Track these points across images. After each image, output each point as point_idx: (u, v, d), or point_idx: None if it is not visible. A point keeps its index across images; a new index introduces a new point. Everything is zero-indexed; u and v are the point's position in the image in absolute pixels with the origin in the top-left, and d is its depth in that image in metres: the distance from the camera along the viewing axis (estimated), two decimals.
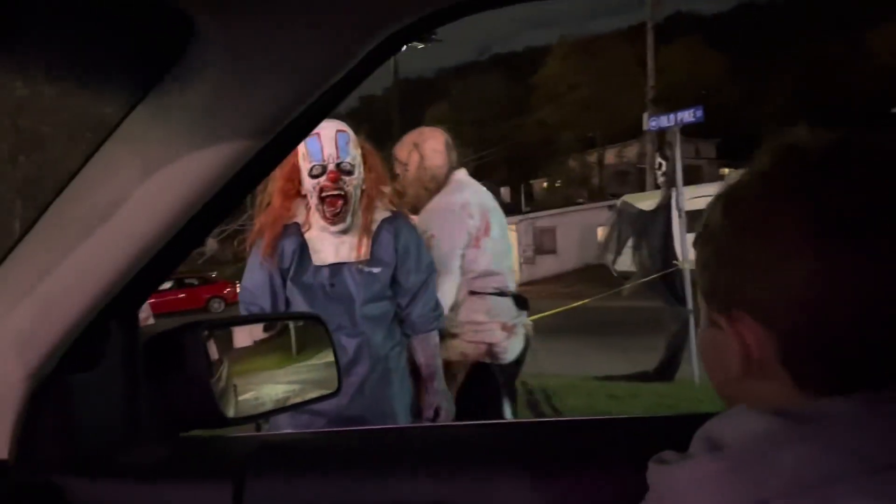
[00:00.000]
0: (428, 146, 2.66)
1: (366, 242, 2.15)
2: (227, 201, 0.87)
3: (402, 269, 2.20)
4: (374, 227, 2.18)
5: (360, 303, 2.13)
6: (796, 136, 0.53)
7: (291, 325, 1.85)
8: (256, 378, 1.55)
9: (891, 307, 0.47)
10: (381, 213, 2.21)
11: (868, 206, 0.47)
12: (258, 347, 1.68)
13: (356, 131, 2.20)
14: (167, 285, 18.02)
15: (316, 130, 2.08)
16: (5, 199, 0.97)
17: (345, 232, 2.13)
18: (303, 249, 2.15)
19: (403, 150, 2.67)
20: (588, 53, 46.33)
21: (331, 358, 1.54)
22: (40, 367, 0.86)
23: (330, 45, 0.74)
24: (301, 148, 2.10)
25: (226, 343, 1.43)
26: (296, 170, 2.15)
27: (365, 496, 0.86)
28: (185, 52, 0.77)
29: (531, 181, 49.85)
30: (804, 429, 0.47)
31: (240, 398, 1.54)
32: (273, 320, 1.61)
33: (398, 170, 2.66)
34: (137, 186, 0.81)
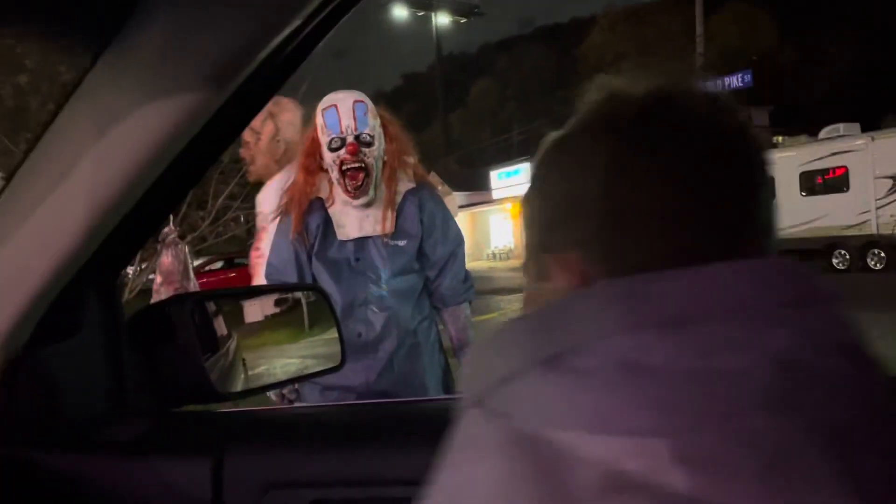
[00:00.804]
0: (284, 118, 2.58)
1: (390, 215, 2.09)
2: (198, 159, 0.82)
3: (429, 241, 2.14)
4: (398, 198, 2.13)
5: (386, 277, 2.08)
6: (616, 84, 0.52)
7: (304, 300, 1.82)
8: (268, 353, 1.52)
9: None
10: (404, 185, 2.15)
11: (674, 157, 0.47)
12: (269, 323, 1.65)
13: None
14: (218, 265, 18.42)
15: (333, 102, 2.03)
16: None
17: (368, 205, 2.08)
18: (327, 225, 2.11)
19: (257, 118, 2.59)
20: (635, 22, 45.24)
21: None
22: (11, 338, 0.83)
23: None
24: (319, 121, 2.05)
25: (236, 318, 1.40)
26: (316, 144, 2.10)
27: (349, 470, 0.80)
28: (136, 6, 0.71)
29: None
30: (602, 286, 0.45)
31: (250, 373, 1.51)
32: (270, 292, 1.57)
33: (248, 137, 2.56)
34: (96, 144, 0.76)
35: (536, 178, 0.55)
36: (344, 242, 2.09)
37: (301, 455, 0.84)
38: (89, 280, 0.89)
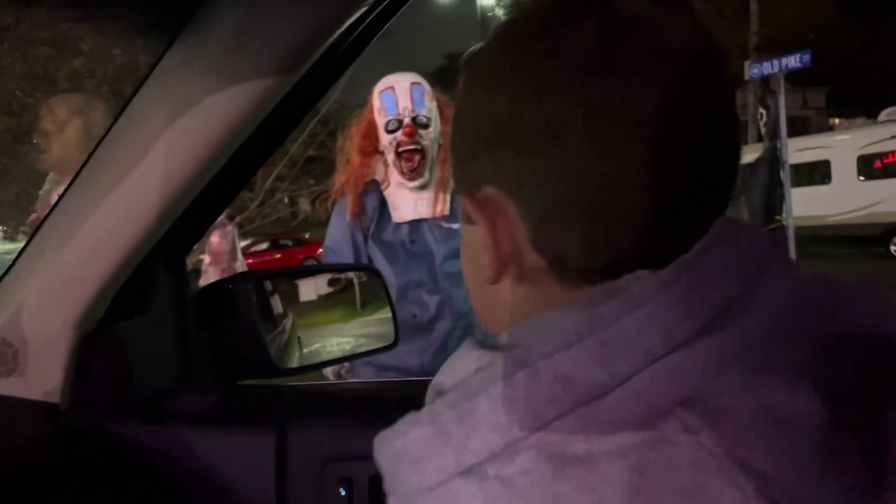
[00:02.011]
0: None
1: (445, 198, 2.09)
2: (264, 143, 0.84)
3: None
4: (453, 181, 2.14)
5: (440, 259, 2.09)
6: None
7: (356, 280, 1.85)
8: (321, 331, 1.55)
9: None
10: None
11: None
12: (323, 302, 1.68)
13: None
14: (262, 246, 18.72)
15: (390, 84, 2.04)
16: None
17: (423, 187, 2.08)
18: (382, 207, 2.12)
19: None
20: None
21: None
22: (88, 314, 0.87)
23: None
24: (376, 102, 2.07)
25: (291, 297, 1.43)
26: (372, 126, 2.10)
27: None
28: None
29: None
30: (500, 369, 0.37)
31: (305, 350, 1.55)
32: (326, 271, 1.59)
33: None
34: (169, 128, 0.79)
35: (454, 109, 0.48)
36: (399, 225, 2.10)
37: (361, 430, 0.86)
38: (160, 259, 0.93)
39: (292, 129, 0.86)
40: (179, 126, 0.79)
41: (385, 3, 0.75)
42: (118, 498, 0.85)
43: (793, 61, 6.66)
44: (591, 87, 0.39)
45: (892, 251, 12.88)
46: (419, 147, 2.02)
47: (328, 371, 2.04)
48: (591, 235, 0.41)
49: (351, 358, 1.58)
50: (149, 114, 0.81)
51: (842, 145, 13.35)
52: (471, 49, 0.46)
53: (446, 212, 2.09)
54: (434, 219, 2.09)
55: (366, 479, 0.84)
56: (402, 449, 0.40)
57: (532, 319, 0.41)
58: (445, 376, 0.42)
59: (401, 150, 2.03)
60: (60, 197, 0.89)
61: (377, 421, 0.87)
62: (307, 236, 19.20)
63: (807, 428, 0.33)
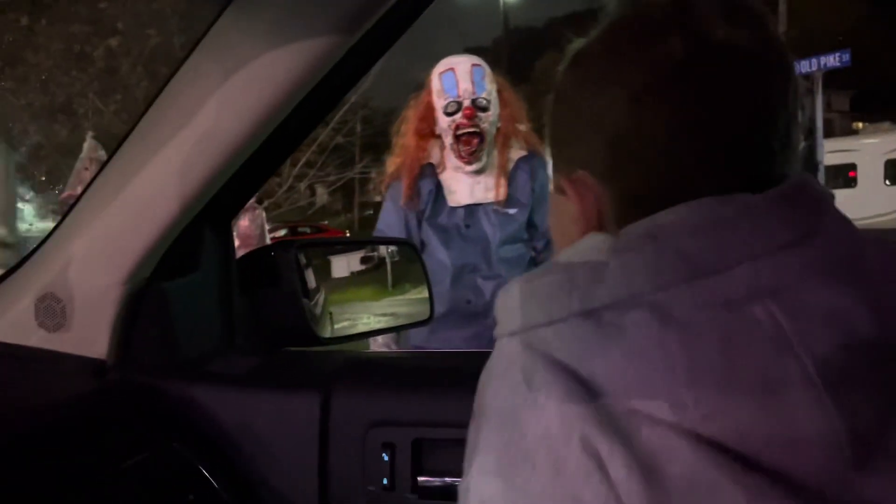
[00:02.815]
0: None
1: (502, 182, 2.05)
2: (317, 107, 0.84)
3: (539, 210, 2.09)
4: (510, 166, 2.09)
5: (496, 244, 2.06)
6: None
7: (388, 259, 1.85)
8: (352, 308, 1.55)
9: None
10: (516, 152, 2.10)
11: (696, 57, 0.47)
12: (354, 279, 1.69)
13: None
14: (281, 233, 18.84)
15: (450, 65, 2.01)
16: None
17: (480, 172, 2.04)
18: (438, 190, 2.09)
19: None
20: None
21: (426, 294, 1.52)
22: (135, 272, 0.88)
23: None
24: (435, 84, 2.03)
25: (324, 272, 1.44)
26: (430, 109, 2.06)
27: (449, 412, 0.83)
28: None
29: None
30: (631, 240, 0.46)
31: (335, 325, 1.55)
32: (365, 244, 1.60)
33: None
34: (221, 88, 0.79)
35: (555, 95, 0.56)
36: (454, 209, 2.07)
37: (403, 396, 0.87)
38: (207, 220, 0.93)
39: (345, 93, 0.86)
40: (232, 87, 0.79)
41: None
42: (160, 456, 0.86)
43: (832, 60, 6.57)
44: (678, 101, 0.47)
45: None
46: (478, 130, 1.99)
47: (375, 347, 2.04)
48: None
49: (388, 330, 1.58)
50: (202, 74, 0.81)
51: (869, 149, 13.17)
52: (575, 45, 0.53)
53: (503, 197, 2.05)
54: (490, 203, 2.06)
55: (408, 445, 0.84)
56: (534, 289, 0.48)
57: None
58: (571, 251, 0.49)
59: (459, 133, 1.99)
60: (111, 155, 0.90)
61: (421, 389, 0.88)
62: (325, 223, 19.26)
63: (861, 333, 0.42)
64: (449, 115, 2.00)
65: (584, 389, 0.41)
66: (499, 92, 2.06)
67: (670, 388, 0.40)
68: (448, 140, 2.03)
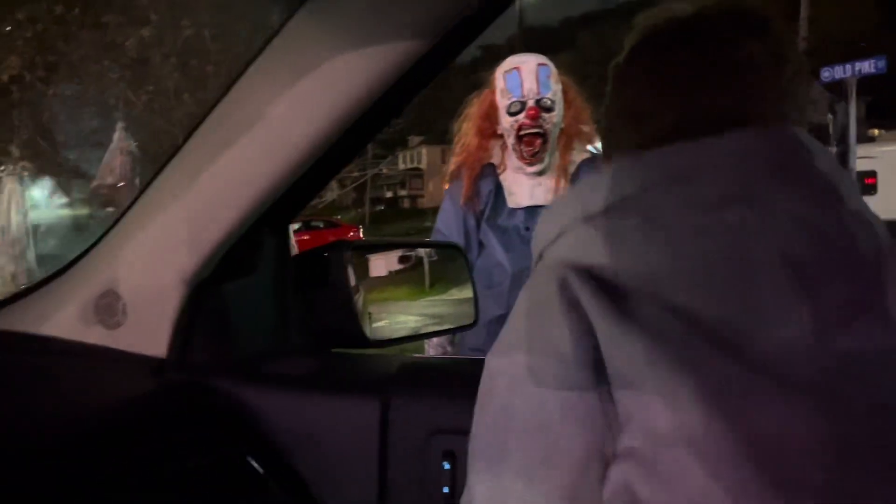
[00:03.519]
0: None
1: (562, 185, 2.00)
2: (386, 110, 0.83)
3: None
4: (572, 168, 2.04)
5: None
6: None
7: (426, 259, 1.83)
8: (389, 308, 1.55)
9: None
10: (579, 154, 2.05)
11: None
12: (393, 278, 1.68)
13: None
14: (294, 227, 18.83)
15: (515, 64, 1.97)
16: (170, 139, 0.97)
17: (541, 173, 1.99)
18: (498, 191, 2.05)
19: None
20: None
21: (463, 294, 1.51)
22: (198, 273, 0.87)
23: None
24: (499, 83, 1.99)
25: (362, 271, 1.43)
26: (493, 108, 2.02)
27: None
28: None
29: None
30: (622, 155, 0.57)
31: (373, 325, 1.55)
32: (413, 246, 1.59)
33: None
34: (291, 91, 0.78)
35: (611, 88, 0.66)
36: (514, 210, 2.03)
37: (464, 404, 0.86)
38: (267, 222, 0.93)
39: (414, 96, 0.85)
40: (303, 90, 0.78)
41: None
42: (221, 457, 0.86)
43: (867, 66, 6.47)
44: (695, 97, 0.58)
45: None
46: (541, 131, 1.94)
47: (430, 348, 2.03)
48: None
49: (433, 334, 1.58)
50: (272, 75, 0.81)
51: (889, 156, 13.04)
52: (617, 59, 0.65)
53: None
54: None
55: None
56: (547, 210, 0.61)
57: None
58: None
59: (522, 133, 1.95)
60: (173, 152, 0.90)
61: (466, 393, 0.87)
62: (338, 218, 19.29)
63: (825, 236, 0.49)
64: (512, 114, 1.96)
65: (577, 271, 0.52)
66: (564, 92, 2.02)
67: (656, 273, 0.49)
68: (510, 140, 1.99)
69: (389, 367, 0.94)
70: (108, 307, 0.90)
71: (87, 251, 0.96)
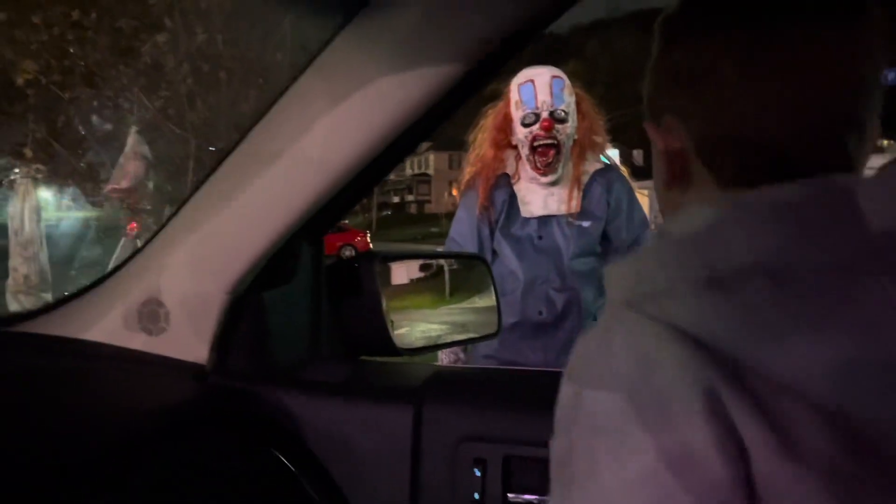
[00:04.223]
0: None
1: (576, 195, 2.05)
2: (421, 132, 0.87)
3: (613, 224, 2.08)
4: (586, 178, 2.08)
5: (568, 257, 2.05)
6: None
7: (446, 267, 1.87)
8: (410, 316, 1.58)
9: (794, 107, 0.51)
10: (592, 165, 2.10)
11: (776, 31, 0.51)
12: (414, 286, 1.71)
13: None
14: None
15: (530, 77, 2.02)
16: (204, 128, 1.01)
17: (555, 183, 2.04)
18: (512, 200, 2.10)
19: None
20: None
21: (483, 303, 1.54)
22: (239, 282, 0.91)
23: None
24: (514, 95, 2.04)
25: (384, 279, 1.47)
26: (508, 119, 2.08)
27: (539, 431, 0.85)
28: None
29: None
30: (745, 214, 0.49)
31: (396, 333, 1.58)
32: (440, 257, 1.62)
33: None
34: (333, 111, 0.81)
35: (651, 55, 0.61)
36: (528, 219, 2.08)
37: (494, 412, 0.89)
38: (304, 234, 0.96)
39: (449, 116, 0.88)
40: (345, 111, 0.81)
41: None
42: (260, 461, 0.89)
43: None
44: (746, 45, 0.52)
45: None
46: (555, 142, 2.00)
47: (444, 355, 2.07)
48: (737, 154, 0.54)
49: (458, 343, 1.61)
50: (315, 94, 0.84)
51: None
52: (666, 12, 0.60)
53: (576, 209, 2.05)
54: (564, 216, 2.06)
55: (499, 461, 0.86)
56: (649, 259, 0.53)
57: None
58: (680, 223, 0.54)
59: (536, 144, 2.00)
60: (216, 164, 0.93)
61: (511, 406, 0.90)
62: (346, 222, 19.34)
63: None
64: (526, 126, 2.01)
65: (708, 353, 0.43)
66: (577, 104, 2.06)
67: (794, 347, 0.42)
68: (524, 151, 2.04)
69: (420, 376, 0.97)
70: (152, 314, 0.93)
71: (128, 259, 0.99)
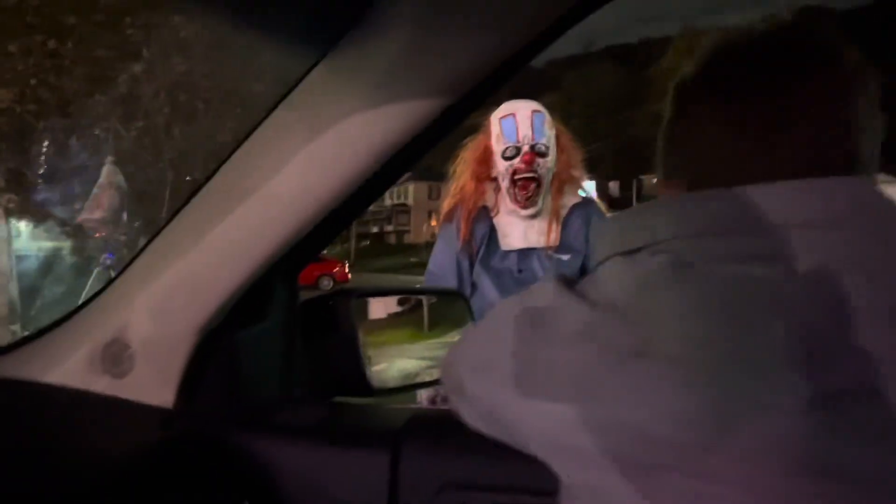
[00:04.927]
0: None
1: (555, 228, 2.06)
2: (401, 165, 0.84)
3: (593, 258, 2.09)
4: (564, 212, 2.10)
5: None
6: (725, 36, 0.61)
7: (424, 301, 1.84)
8: (387, 351, 1.54)
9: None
10: (571, 198, 2.12)
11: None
12: (391, 320, 1.68)
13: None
14: None
15: (511, 111, 2.03)
16: (159, 175, 0.98)
17: (534, 216, 2.06)
18: (491, 233, 2.10)
19: None
20: None
21: None
22: (209, 322, 0.87)
23: (525, 7, 0.70)
24: (495, 128, 2.05)
25: (361, 314, 1.43)
26: (488, 152, 2.08)
27: (523, 479, 0.81)
28: (368, 10, 0.74)
29: (642, 176, 48.54)
30: (665, 195, 0.62)
31: (373, 369, 1.54)
32: (418, 293, 1.59)
33: None
34: (309, 147, 0.79)
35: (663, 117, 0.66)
36: (507, 252, 2.08)
37: (479, 457, 0.85)
38: (278, 272, 0.93)
39: (431, 149, 0.86)
40: (321, 147, 0.79)
41: (549, 29, 0.75)
42: None
43: None
44: (759, 134, 0.56)
45: None
46: (535, 176, 2.01)
47: (422, 398, 2.02)
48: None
49: (437, 382, 1.57)
50: (289, 130, 0.82)
51: None
52: (680, 76, 0.64)
53: (556, 242, 2.05)
54: (544, 249, 2.06)
55: None
56: (597, 233, 0.62)
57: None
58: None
59: (517, 177, 2.01)
60: (187, 198, 0.90)
61: (496, 451, 0.87)
62: (324, 252, 19.27)
63: (851, 303, 0.46)
64: (507, 159, 2.02)
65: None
66: (557, 137, 2.08)
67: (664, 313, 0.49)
68: (505, 184, 2.04)
69: (398, 419, 0.93)
70: (116, 355, 0.89)
71: (94, 297, 0.95)
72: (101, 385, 0.90)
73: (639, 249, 0.55)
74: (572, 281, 0.58)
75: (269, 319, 0.95)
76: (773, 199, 0.51)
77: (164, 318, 0.87)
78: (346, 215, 0.91)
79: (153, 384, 0.89)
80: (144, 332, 0.88)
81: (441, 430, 0.91)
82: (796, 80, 0.55)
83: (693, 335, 0.47)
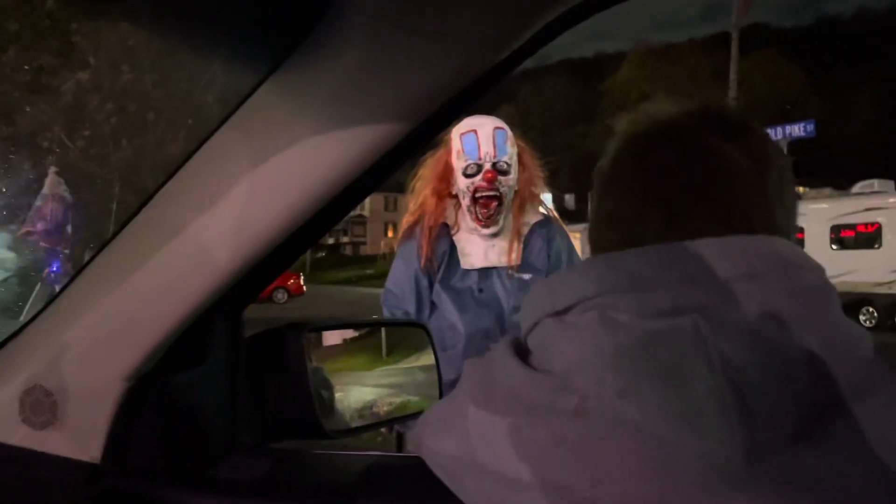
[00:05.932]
0: None
1: (516, 247, 2.01)
2: (356, 192, 0.77)
3: None
4: (525, 230, 2.05)
5: (509, 310, 2.00)
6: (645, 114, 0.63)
7: (383, 328, 1.77)
8: (343, 379, 1.47)
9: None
10: (532, 217, 2.07)
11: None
12: (347, 346, 1.60)
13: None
14: None
15: (472, 127, 1.96)
16: (106, 186, 0.89)
17: (495, 235, 2.00)
18: (451, 252, 2.04)
19: None
20: (665, 61, 45.43)
21: (422, 362, 1.45)
22: (139, 368, 0.79)
23: (492, 26, 0.64)
24: (456, 144, 1.98)
25: (316, 340, 1.35)
26: (449, 168, 2.01)
27: None
28: (317, 27, 0.67)
29: None
30: (592, 259, 0.60)
31: (332, 407, 1.46)
32: (376, 325, 1.52)
33: None
34: (252, 174, 0.72)
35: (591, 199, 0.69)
36: (468, 271, 2.02)
37: None
38: (220, 310, 0.85)
39: (389, 176, 0.79)
40: (266, 172, 0.72)
41: (512, 55, 0.69)
42: None
43: (797, 130, 6.84)
44: (677, 204, 0.58)
45: (862, 321, 13.10)
46: (497, 194, 1.96)
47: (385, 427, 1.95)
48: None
49: (392, 422, 1.50)
50: (230, 153, 0.74)
51: (816, 214, 13.68)
52: (601, 162, 0.65)
53: (517, 261, 2.00)
54: (505, 268, 2.01)
55: None
56: (527, 299, 0.61)
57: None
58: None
59: (478, 195, 1.96)
60: (116, 231, 0.82)
61: (454, 501, 0.80)
62: None
63: (778, 353, 0.47)
64: (468, 176, 1.96)
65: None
66: (518, 155, 2.03)
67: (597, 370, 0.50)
68: (466, 202, 1.99)
69: (354, 467, 0.85)
70: (36, 404, 0.80)
71: (10, 338, 0.86)
72: (19, 437, 0.81)
73: (568, 310, 0.55)
74: (522, 347, 0.59)
75: (209, 361, 0.87)
76: (695, 254, 0.52)
77: (89, 364, 0.79)
78: (294, 247, 0.84)
79: (77, 436, 0.80)
80: (67, 379, 0.79)
81: (402, 480, 0.84)
82: (706, 155, 0.58)
83: (627, 390, 0.48)
